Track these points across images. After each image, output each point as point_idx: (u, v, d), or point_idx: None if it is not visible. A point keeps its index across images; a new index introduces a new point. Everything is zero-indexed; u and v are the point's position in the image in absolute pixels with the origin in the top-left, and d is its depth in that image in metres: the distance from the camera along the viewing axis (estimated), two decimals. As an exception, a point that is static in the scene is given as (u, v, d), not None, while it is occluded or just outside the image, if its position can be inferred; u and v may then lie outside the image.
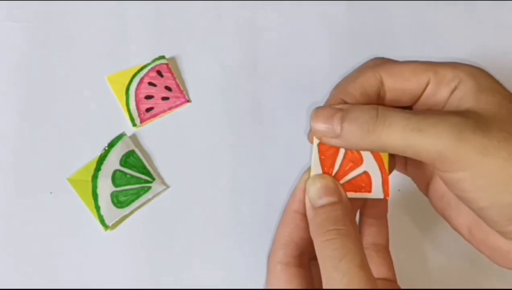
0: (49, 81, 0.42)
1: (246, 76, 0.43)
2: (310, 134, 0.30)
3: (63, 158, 0.40)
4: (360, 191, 0.30)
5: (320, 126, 0.29)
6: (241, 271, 0.37)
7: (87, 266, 0.37)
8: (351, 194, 0.30)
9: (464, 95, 0.28)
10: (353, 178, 0.30)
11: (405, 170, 0.34)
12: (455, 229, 0.31)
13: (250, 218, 0.39)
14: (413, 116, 0.27)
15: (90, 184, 0.39)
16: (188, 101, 0.42)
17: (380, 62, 0.31)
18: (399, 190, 0.40)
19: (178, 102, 0.42)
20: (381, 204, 0.34)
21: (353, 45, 0.44)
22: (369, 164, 0.30)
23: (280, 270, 0.31)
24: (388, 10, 0.46)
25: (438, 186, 0.32)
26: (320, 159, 0.30)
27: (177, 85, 0.43)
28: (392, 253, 0.38)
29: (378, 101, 0.30)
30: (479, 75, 0.29)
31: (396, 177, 0.39)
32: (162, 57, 0.43)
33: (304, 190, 0.30)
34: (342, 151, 0.30)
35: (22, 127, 0.41)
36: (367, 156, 0.30)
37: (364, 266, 0.27)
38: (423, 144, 0.26)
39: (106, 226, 0.38)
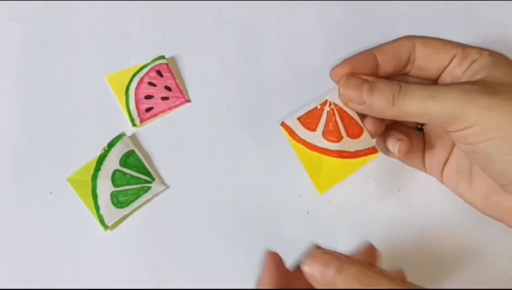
0: (49, 81, 0.42)
1: (246, 76, 0.43)
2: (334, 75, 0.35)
3: (63, 158, 0.40)
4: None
5: (350, 92, 0.34)
6: (241, 271, 0.37)
7: (86, 266, 0.37)
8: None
9: (480, 68, 0.32)
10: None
11: (423, 166, 0.37)
12: (470, 202, 0.35)
13: (250, 218, 0.39)
14: (428, 87, 0.31)
15: (89, 184, 0.39)
16: (188, 101, 0.42)
17: (417, 35, 0.35)
18: (399, 190, 0.39)
19: (178, 102, 0.42)
20: None
21: (353, 44, 0.44)
22: None
23: None
24: (387, 9, 0.46)
25: (453, 162, 0.35)
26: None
27: (177, 85, 0.43)
28: (392, 252, 0.38)
29: (406, 67, 0.35)
30: (499, 55, 0.33)
31: (396, 177, 0.40)
32: (162, 57, 0.43)
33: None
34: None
35: (21, 127, 0.41)
36: None
37: None
38: (437, 108, 0.31)
39: (105, 226, 0.38)
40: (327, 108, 0.35)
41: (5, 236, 0.38)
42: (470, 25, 0.45)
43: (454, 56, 0.33)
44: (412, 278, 0.37)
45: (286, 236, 0.38)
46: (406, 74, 0.36)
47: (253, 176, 0.40)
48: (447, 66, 0.34)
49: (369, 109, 0.34)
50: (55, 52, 0.43)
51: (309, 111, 0.36)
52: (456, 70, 0.33)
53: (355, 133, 0.35)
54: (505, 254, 0.38)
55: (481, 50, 0.33)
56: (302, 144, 0.35)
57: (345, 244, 0.38)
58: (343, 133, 0.35)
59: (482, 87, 0.31)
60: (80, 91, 0.42)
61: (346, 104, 0.35)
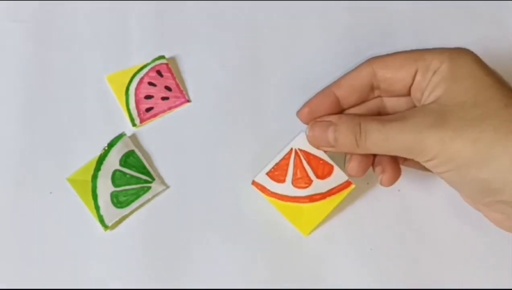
0: (49, 81, 0.42)
1: (246, 76, 0.43)
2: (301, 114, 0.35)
3: (63, 158, 0.40)
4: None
5: (317, 137, 0.34)
6: (241, 271, 0.37)
7: (86, 266, 0.37)
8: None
9: (440, 80, 0.31)
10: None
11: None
12: (467, 203, 0.35)
13: (250, 218, 0.39)
14: (382, 127, 0.31)
15: (89, 184, 0.39)
16: (188, 101, 0.42)
17: (375, 57, 0.34)
18: (399, 190, 0.39)
19: (178, 102, 0.42)
20: None
21: (354, 44, 0.44)
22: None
23: None
24: (388, 9, 0.46)
25: None
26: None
27: (177, 85, 0.43)
28: (391, 252, 0.38)
29: (372, 92, 0.35)
30: (461, 58, 0.31)
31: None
32: (162, 57, 0.43)
33: None
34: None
35: (21, 127, 0.41)
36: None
37: None
38: (395, 148, 0.31)
39: (105, 226, 0.38)
40: (292, 156, 0.36)
41: (5, 236, 0.38)
42: (470, 25, 0.45)
43: (416, 71, 0.32)
44: (412, 278, 0.37)
45: (286, 236, 0.38)
46: (380, 97, 0.36)
47: (253, 176, 0.40)
48: (412, 83, 0.33)
49: (340, 150, 0.34)
50: (55, 52, 0.43)
51: (276, 164, 0.37)
52: (422, 84, 0.32)
53: (325, 173, 0.36)
54: (505, 254, 0.38)
55: (441, 55, 0.31)
56: (274, 197, 0.36)
57: (345, 244, 0.38)
58: (312, 177, 0.36)
59: (434, 119, 0.30)
60: (80, 91, 0.42)
61: (318, 148, 0.35)
